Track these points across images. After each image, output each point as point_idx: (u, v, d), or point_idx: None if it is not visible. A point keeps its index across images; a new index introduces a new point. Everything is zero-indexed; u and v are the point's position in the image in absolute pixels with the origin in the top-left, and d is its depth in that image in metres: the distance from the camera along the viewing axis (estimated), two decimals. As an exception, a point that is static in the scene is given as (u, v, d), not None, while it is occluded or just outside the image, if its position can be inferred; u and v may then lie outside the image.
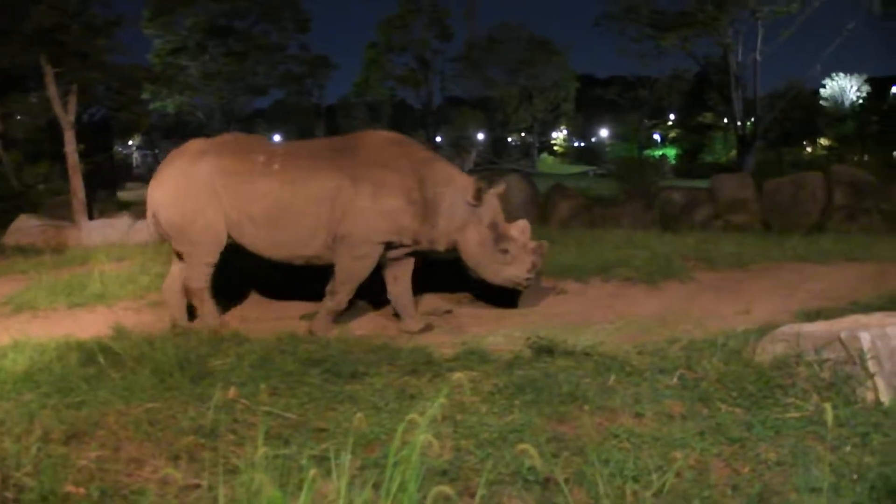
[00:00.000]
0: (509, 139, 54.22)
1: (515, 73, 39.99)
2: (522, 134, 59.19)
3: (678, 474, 3.44)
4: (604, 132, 63.05)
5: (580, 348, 5.09)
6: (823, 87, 54.00)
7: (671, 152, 51.14)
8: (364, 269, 6.65)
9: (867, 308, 5.51)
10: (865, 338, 4.27)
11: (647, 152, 48.08)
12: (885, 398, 4.08)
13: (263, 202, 6.44)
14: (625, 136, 52.31)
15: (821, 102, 51.76)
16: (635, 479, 3.35)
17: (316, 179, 6.48)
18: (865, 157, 31.35)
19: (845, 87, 53.61)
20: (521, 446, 2.73)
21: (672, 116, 55.95)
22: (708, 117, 41.65)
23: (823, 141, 46.75)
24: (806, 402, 4.07)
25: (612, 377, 4.53)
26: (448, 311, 7.18)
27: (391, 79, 43.45)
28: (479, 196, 6.66)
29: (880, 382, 4.13)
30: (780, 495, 3.31)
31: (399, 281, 6.93)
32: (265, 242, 6.56)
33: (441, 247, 6.79)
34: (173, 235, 6.65)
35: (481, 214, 6.71)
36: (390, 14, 40.32)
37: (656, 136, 58.61)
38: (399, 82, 43.74)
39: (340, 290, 6.65)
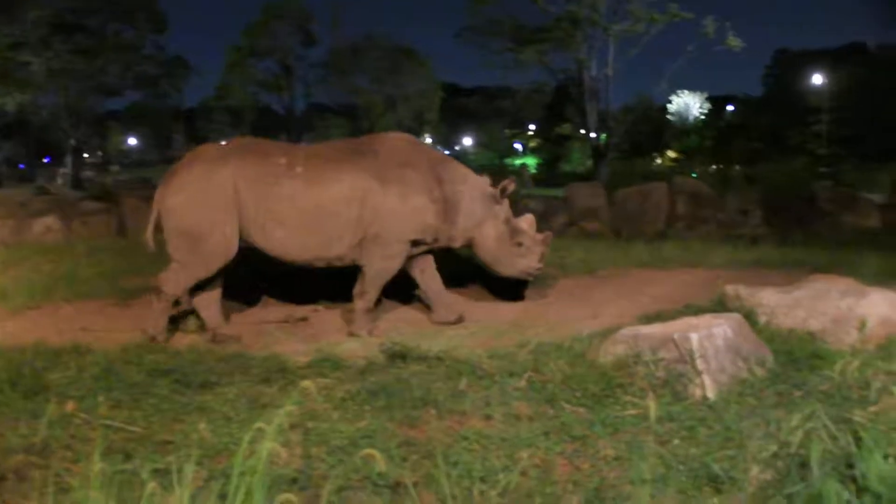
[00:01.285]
0: (375, 147, 54.21)
1: (380, 81, 40.09)
2: (388, 142, 59.32)
3: (524, 473, 3.57)
4: (468, 140, 64.29)
5: (433, 353, 5.18)
6: (670, 102, 57.40)
7: (532, 161, 52.75)
8: (393, 268, 6.79)
9: (699, 311, 5.89)
10: (695, 338, 4.58)
11: (509, 161, 49.37)
12: (710, 394, 4.39)
13: (292, 204, 6.37)
14: (488, 145, 53.58)
15: (668, 117, 54.99)
16: (483, 480, 3.45)
17: (343, 181, 6.49)
18: (717, 167, 33.56)
19: (689, 104, 57.17)
20: (368, 451, 2.77)
21: (533, 127, 57.77)
22: (566, 128, 43.25)
23: (671, 153, 49.67)
24: (642, 400, 4.31)
25: (464, 381, 4.65)
26: (303, 318, 7.10)
27: (254, 83, 42.60)
28: (504, 194, 7.03)
29: (707, 379, 4.44)
30: (615, 488, 3.49)
31: (426, 272, 7.11)
32: (294, 244, 6.45)
33: (458, 243, 7.05)
34: (177, 242, 6.31)
35: (497, 211, 7.04)
36: (254, 18, 39.60)
37: (518, 146, 60.33)
38: (262, 87, 42.95)
39: (370, 290, 6.74)
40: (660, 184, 14.71)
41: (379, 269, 6.70)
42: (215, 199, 6.26)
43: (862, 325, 5.25)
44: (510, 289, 7.57)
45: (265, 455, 2.72)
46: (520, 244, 7.07)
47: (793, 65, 56.68)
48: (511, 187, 7.14)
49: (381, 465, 2.80)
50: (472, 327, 6.65)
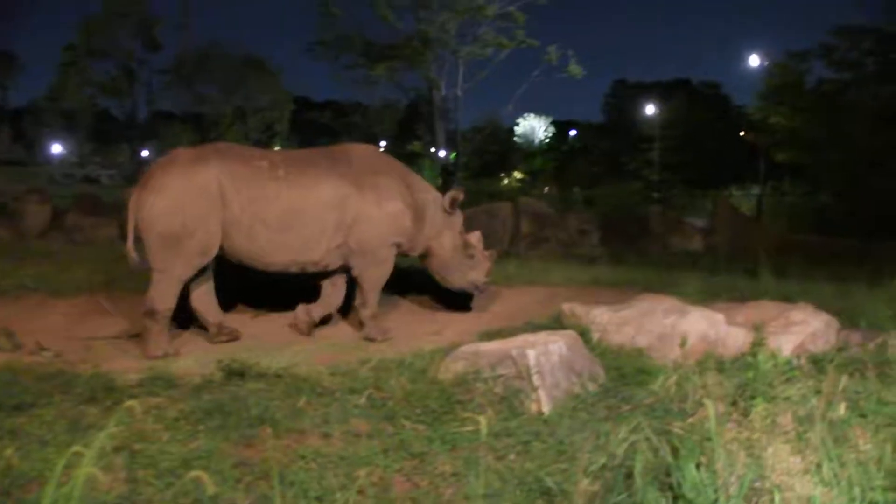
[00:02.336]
0: (222, 157, 52.67)
1: (229, 90, 38.87)
2: (236, 152, 57.71)
3: (361, 492, 3.54)
4: (318, 155, 63.49)
5: (273, 370, 5.05)
6: (517, 125, 59.34)
7: (382, 178, 52.72)
8: (386, 273, 6.99)
9: (537, 328, 6.08)
10: (532, 355, 4.72)
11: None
12: (546, 409, 4.53)
13: (276, 206, 6.38)
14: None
15: (515, 139, 56.80)
16: (319, 500, 3.40)
17: (324, 185, 6.58)
18: (574, 188, 34.93)
19: (535, 127, 59.33)
20: (195, 473, 2.65)
21: (384, 143, 57.98)
22: (417, 146, 43.75)
23: (517, 174, 51.31)
24: (481, 416, 4.39)
25: (303, 399, 4.55)
26: (137, 335, 6.72)
27: (91, 85, 40.17)
28: (454, 205, 7.22)
29: (542, 395, 4.58)
30: (452, 504, 3.54)
31: (336, 287, 7.15)
32: (275, 246, 6.46)
33: (417, 251, 7.26)
34: (161, 247, 6.19)
35: (453, 222, 7.31)
36: (94, 14, 37.20)
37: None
38: (100, 90, 40.57)
39: (370, 297, 6.92)
40: (506, 203, 15.14)
41: (372, 276, 6.90)
42: (199, 199, 6.21)
43: (683, 342, 5.59)
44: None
45: (81, 481, 2.54)
46: (471, 256, 7.36)
47: (629, 95, 60.12)
48: (460, 197, 7.33)
49: (210, 487, 2.68)
50: (316, 343, 6.56)
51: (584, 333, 5.88)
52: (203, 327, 6.82)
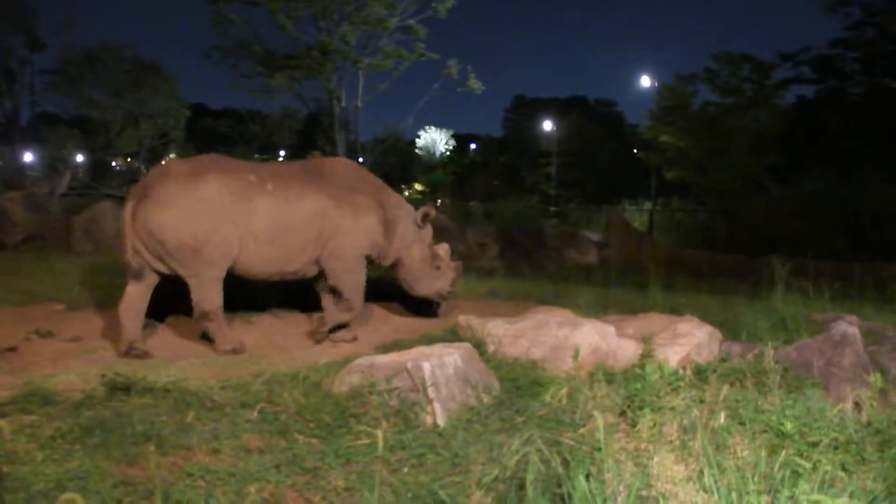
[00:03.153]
0: (113, 163, 50.68)
1: (119, 95, 37.33)
2: (129, 159, 55.61)
3: (250, 508, 3.45)
4: (216, 163, 61.94)
5: (161, 385, 4.86)
6: (419, 137, 59.63)
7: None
8: (360, 279, 7.24)
9: (433, 340, 6.09)
10: (427, 367, 4.71)
11: (258, 187, 48.29)
12: (441, 421, 4.53)
13: (265, 219, 6.64)
14: (236, 169, 51.90)
15: (416, 151, 57.04)
16: (206, 518, 3.28)
17: (307, 199, 6.85)
18: (472, 201, 35.22)
19: (436, 140, 59.76)
20: (69, 496, 2.50)
21: (283, 153, 57.09)
22: (316, 156, 43.37)
23: (418, 186, 51.49)
24: (376, 429, 4.34)
25: (192, 414, 4.40)
26: (11, 349, 6.34)
27: (-37, 85, 37.86)
28: (425, 219, 7.66)
29: (437, 407, 4.58)
30: (345, 519, 3.48)
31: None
32: (260, 258, 6.71)
33: (387, 262, 7.61)
34: (182, 259, 6.42)
35: (423, 235, 7.69)
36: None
37: (268, 171, 59.15)
38: (-25, 90, 38.27)
39: (349, 298, 7.14)
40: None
41: (347, 282, 7.14)
42: (205, 209, 6.42)
43: (576, 354, 5.71)
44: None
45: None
46: (438, 267, 7.73)
47: (528, 110, 61.41)
48: (432, 213, 7.77)
49: (86, 510, 2.54)
50: (206, 356, 6.35)
51: (479, 346, 5.92)
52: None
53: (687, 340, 6.04)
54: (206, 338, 6.82)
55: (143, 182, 6.70)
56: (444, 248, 7.90)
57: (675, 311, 7.26)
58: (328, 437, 4.26)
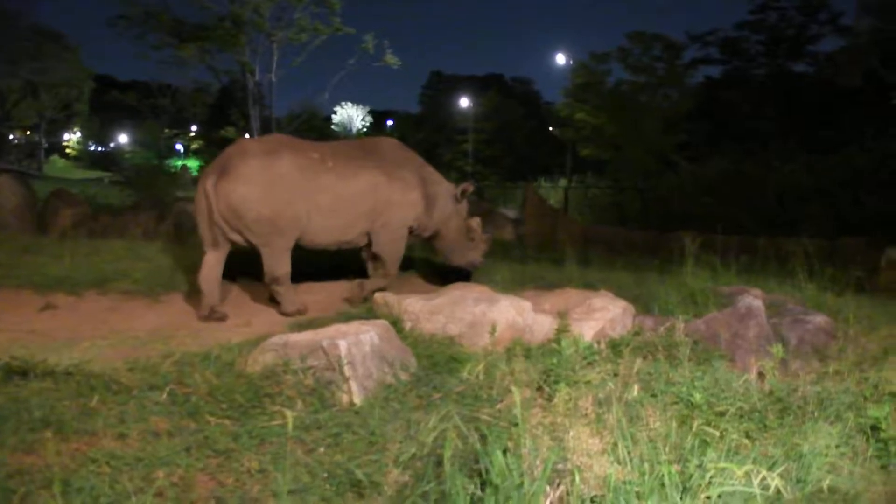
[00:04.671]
0: (11, 136, 48.34)
1: (15, 63, 35.40)
2: (28, 132, 53.11)
3: (159, 494, 3.34)
4: (123, 138, 59.90)
5: (62, 368, 4.64)
6: (335, 113, 58.86)
7: (193, 164, 50.73)
8: (401, 248, 7.97)
9: (349, 318, 6.01)
10: (343, 345, 4.64)
11: (168, 162, 46.94)
12: (357, 399, 4.47)
13: (327, 193, 7.23)
14: (145, 144, 50.31)
15: (332, 127, 56.29)
16: (111, 505, 3.15)
17: (362, 175, 7.47)
18: None
19: (353, 116, 59.13)
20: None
21: (195, 128, 55.52)
22: (230, 131, 42.25)
23: (334, 163, 50.82)
24: (291, 409, 4.25)
25: (96, 397, 4.22)
26: None
27: None
28: (464, 195, 8.23)
29: (354, 385, 4.52)
30: (258, 501, 3.39)
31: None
32: (323, 228, 7.33)
33: (427, 233, 8.21)
34: (259, 230, 6.98)
35: (460, 209, 8.27)
36: None
37: (179, 147, 57.57)
38: None
39: (389, 266, 7.83)
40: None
41: (392, 251, 7.83)
42: (284, 183, 7.00)
43: (492, 329, 5.72)
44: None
45: None
46: (472, 239, 8.31)
47: (445, 87, 61.33)
48: (470, 189, 8.32)
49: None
50: (112, 337, 6.11)
51: (396, 323, 5.88)
52: None
53: (601, 315, 6.14)
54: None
55: (220, 160, 7.16)
56: (476, 222, 8.45)
57: (590, 286, 7.37)
58: (241, 417, 4.15)
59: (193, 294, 7.58)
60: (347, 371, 4.54)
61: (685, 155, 29.08)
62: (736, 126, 29.24)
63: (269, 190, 6.93)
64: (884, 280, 10.54)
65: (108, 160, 53.57)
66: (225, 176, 6.93)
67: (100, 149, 64.01)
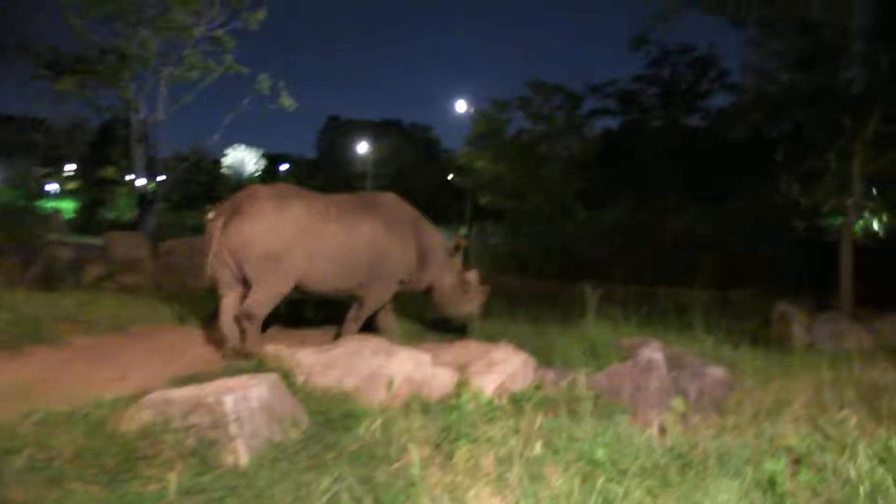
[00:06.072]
0: None
1: None
2: None
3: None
4: (-12, 176, 57.09)
5: None
6: (226, 155, 57.96)
7: (68, 205, 48.75)
8: (385, 299, 8.26)
9: (237, 371, 5.79)
10: (229, 401, 4.45)
11: (39, 203, 44.96)
12: (244, 460, 4.28)
13: (332, 242, 7.57)
14: (14, 183, 47.99)
15: (223, 170, 55.35)
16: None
17: (365, 226, 7.83)
18: None
19: (244, 158, 58.38)
20: None
21: (72, 167, 53.45)
22: (110, 172, 40.87)
23: (224, 207, 49.75)
24: (170, 472, 4.03)
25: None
26: None
27: None
28: (457, 249, 8.71)
29: (240, 445, 4.33)
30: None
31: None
32: (325, 275, 7.59)
33: (420, 287, 8.51)
34: (264, 265, 7.22)
35: (453, 263, 8.63)
36: None
37: (53, 187, 55.25)
38: None
39: (364, 314, 8.13)
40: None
41: (377, 298, 8.14)
42: (293, 225, 7.37)
43: (390, 384, 5.63)
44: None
45: None
46: (467, 292, 8.61)
47: (342, 131, 61.45)
48: (463, 244, 8.87)
49: None
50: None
51: (287, 376, 5.71)
52: None
53: (502, 368, 6.13)
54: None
55: (232, 203, 7.53)
56: (472, 275, 8.74)
57: (492, 338, 7.39)
58: (112, 483, 3.91)
59: (62, 345, 7.17)
60: (233, 429, 4.35)
61: (584, 203, 29.95)
62: (633, 174, 30.36)
63: (279, 229, 7.29)
64: (775, 333, 11.03)
65: (-31, 200, 50.78)
66: (235, 216, 7.30)
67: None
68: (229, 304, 7.41)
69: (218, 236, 7.30)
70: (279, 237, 7.30)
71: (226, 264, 7.32)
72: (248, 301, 7.30)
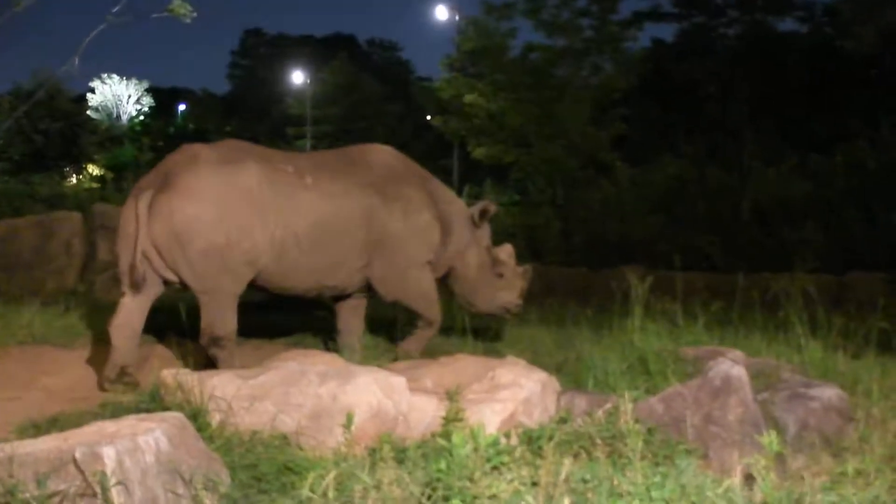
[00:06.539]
0: None
1: None
2: None
3: None
4: None
5: None
6: (92, 91, 57.52)
7: None
8: (428, 285, 8.61)
9: (120, 410, 5.80)
10: (110, 454, 4.44)
11: None
12: (135, 539, 4.29)
13: (308, 219, 7.71)
14: None
15: (89, 114, 54.95)
16: None
17: (352, 195, 8.01)
18: None
19: (121, 96, 58.00)
20: None
21: None
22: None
23: (93, 168, 49.56)
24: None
25: None
26: None
27: None
28: (484, 217, 8.89)
29: (129, 517, 4.34)
30: None
31: (356, 308, 8.83)
32: (303, 268, 7.80)
33: (438, 272, 8.75)
34: (203, 264, 7.32)
35: (480, 236, 8.90)
36: None
37: None
38: None
39: (428, 315, 8.53)
40: (72, 214, 14.57)
41: (415, 292, 8.52)
42: (244, 204, 7.44)
43: (348, 421, 5.64)
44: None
45: None
46: (500, 275, 8.85)
47: (268, 54, 61.30)
48: (492, 209, 9.02)
49: None
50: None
51: (198, 416, 5.72)
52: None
53: (511, 394, 6.16)
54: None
55: (160, 170, 7.62)
56: (506, 251, 9.02)
57: (493, 351, 7.42)
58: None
59: None
60: (118, 496, 4.35)
61: (624, 155, 29.83)
62: (696, 111, 30.37)
63: (227, 210, 7.36)
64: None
65: None
66: (164, 191, 7.32)
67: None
68: (130, 306, 7.44)
69: (140, 220, 7.27)
70: (229, 223, 7.36)
71: (146, 257, 7.38)
72: (204, 323, 7.43)
